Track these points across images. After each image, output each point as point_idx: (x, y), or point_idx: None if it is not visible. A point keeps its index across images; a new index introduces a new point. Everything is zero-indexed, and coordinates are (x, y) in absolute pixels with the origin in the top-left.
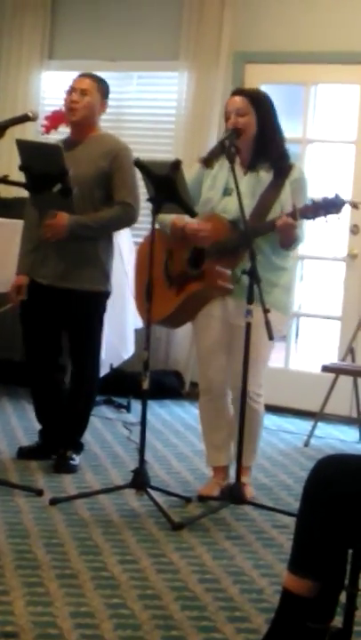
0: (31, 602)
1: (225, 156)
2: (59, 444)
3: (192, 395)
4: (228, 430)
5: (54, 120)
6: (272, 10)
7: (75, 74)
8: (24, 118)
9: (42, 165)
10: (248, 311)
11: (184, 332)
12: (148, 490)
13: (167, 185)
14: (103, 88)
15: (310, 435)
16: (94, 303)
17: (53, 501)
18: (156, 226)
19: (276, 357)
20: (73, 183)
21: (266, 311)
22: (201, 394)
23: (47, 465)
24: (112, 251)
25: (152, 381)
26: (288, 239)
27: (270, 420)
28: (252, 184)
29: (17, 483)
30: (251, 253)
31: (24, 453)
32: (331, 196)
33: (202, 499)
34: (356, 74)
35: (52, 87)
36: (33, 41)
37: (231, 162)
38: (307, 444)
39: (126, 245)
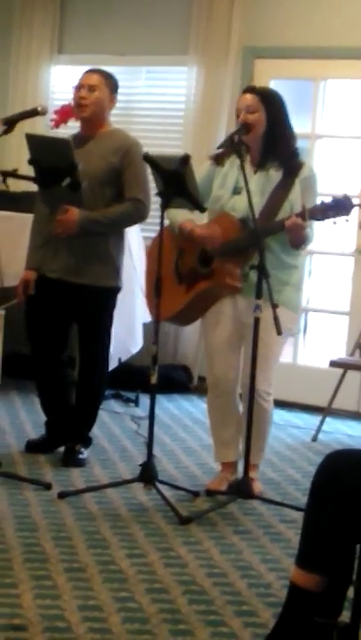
0: (39, 595)
1: (234, 153)
2: (65, 436)
3: (200, 389)
4: (237, 427)
5: (63, 114)
6: (282, 5)
7: (84, 68)
8: (33, 112)
9: (51, 159)
10: (257, 306)
11: (192, 327)
12: (156, 484)
13: (176, 179)
14: (112, 83)
15: (318, 430)
16: (105, 298)
17: (62, 495)
18: (166, 222)
19: (284, 352)
20: (84, 179)
21: (274, 306)
22: (209, 390)
23: (56, 459)
24: (123, 246)
25: (160, 375)
26: (297, 239)
27: (278, 415)
28: (262, 183)
29: (25, 476)
30: (260, 250)
31: (32, 447)
32: (340, 197)
33: (210, 493)
34: None
35: (61, 82)
36: (42, 35)
37: (240, 157)
38: (315, 439)
39: (135, 240)
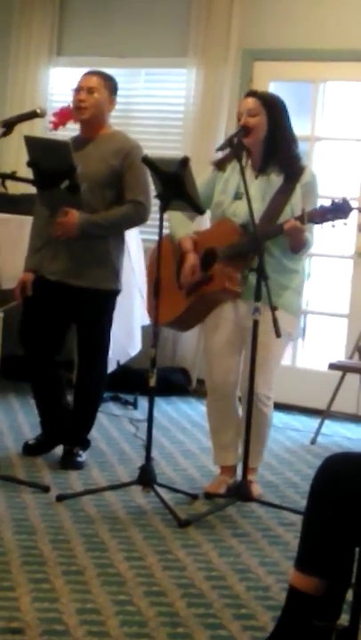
0: (37, 598)
1: (234, 156)
2: (60, 436)
3: (199, 392)
4: (236, 430)
5: (62, 116)
6: (281, 7)
7: (83, 70)
8: (32, 115)
9: (50, 162)
10: (256, 309)
11: (191, 330)
12: (155, 487)
13: (175, 182)
14: (111, 85)
15: (317, 432)
16: (104, 301)
17: (60, 498)
18: (165, 224)
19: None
20: (84, 181)
21: (273, 309)
22: (208, 394)
23: (54, 461)
24: (123, 249)
25: (159, 378)
26: (297, 243)
27: (277, 418)
28: (263, 187)
29: (23, 479)
30: (259, 253)
31: (29, 450)
32: (339, 201)
33: (208, 496)
34: None
35: (60, 83)
36: (41, 37)
37: (239, 159)
38: (314, 442)
39: (134, 243)
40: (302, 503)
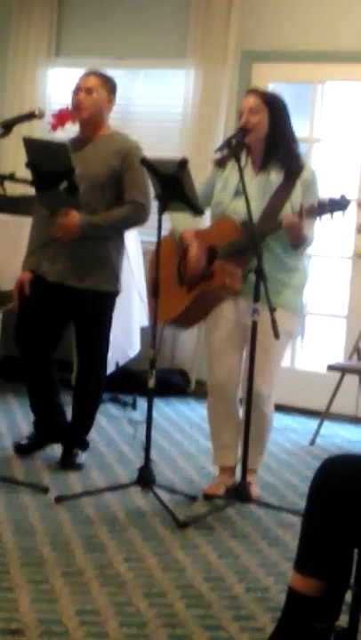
0: (36, 599)
1: (232, 156)
2: (52, 435)
3: (198, 393)
4: (236, 431)
5: (61, 117)
6: (279, 8)
7: (81, 71)
8: (30, 116)
9: (48, 163)
10: (254, 310)
11: (190, 331)
12: (154, 488)
13: (174, 183)
14: (109, 84)
15: (316, 434)
16: (104, 303)
17: (59, 499)
18: (165, 225)
19: None
20: (84, 182)
21: (272, 310)
22: (209, 394)
23: (53, 462)
24: (122, 250)
25: (158, 379)
26: (296, 238)
27: (276, 419)
28: (263, 185)
29: (23, 480)
30: (257, 253)
31: (21, 449)
32: (337, 196)
33: (207, 497)
34: None
35: (58, 84)
36: (40, 38)
37: (237, 160)
38: (313, 443)
39: (133, 244)
40: (301, 504)
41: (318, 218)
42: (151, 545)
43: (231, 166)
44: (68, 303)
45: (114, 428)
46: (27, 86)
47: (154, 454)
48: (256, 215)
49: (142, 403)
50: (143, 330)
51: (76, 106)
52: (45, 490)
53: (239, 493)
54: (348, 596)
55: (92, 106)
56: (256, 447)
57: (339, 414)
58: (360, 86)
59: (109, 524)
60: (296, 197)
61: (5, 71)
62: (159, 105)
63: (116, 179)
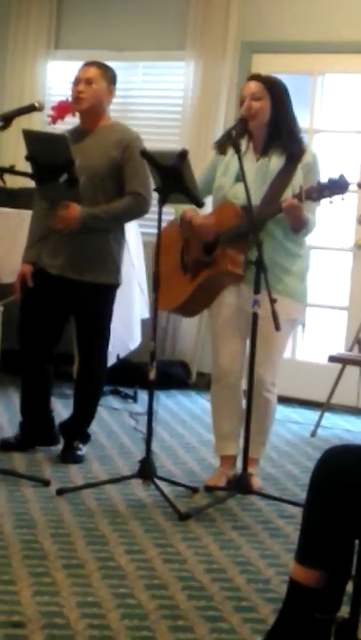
0: (38, 592)
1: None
2: (38, 438)
3: (199, 385)
4: (238, 421)
5: (60, 110)
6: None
7: (81, 64)
8: (30, 108)
9: (48, 156)
10: (255, 301)
11: (190, 323)
12: (155, 480)
13: (174, 175)
14: (109, 75)
15: (317, 425)
16: (104, 295)
17: (60, 491)
18: (169, 217)
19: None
20: (84, 174)
21: (273, 301)
22: (213, 381)
23: (54, 455)
24: (123, 242)
25: (158, 372)
26: (297, 221)
27: (277, 411)
28: (264, 170)
29: (24, 473)
30: (257, 243)
31: (5, 446)
32: (336, 177)
33: (208, 489)
34: None
35: (58, 77)
36: (39, 31)
37: (237, 151)
38: (314, 435)
39: (133, 236)
40: (302, 496)
41: (318, 199)
42: (152, 537)
43: (232, 152)
44: (68, 296)
45: (115, 420)
46: (26, 79)
47: (155, 446)
48: (257, 200)
49: (143, 395)
50: (144, 322)
51: (76, 97)
52: (47, 482)
53: (240, 485)
54: (350, 587)
55: (91, 97)
56: (258, 436)
57: (340, 405)
58: (360, 77)
59: (111, 516)
60: (297, 181)
61: (5, 64)
62: (159, 97)
63: (116, 170)
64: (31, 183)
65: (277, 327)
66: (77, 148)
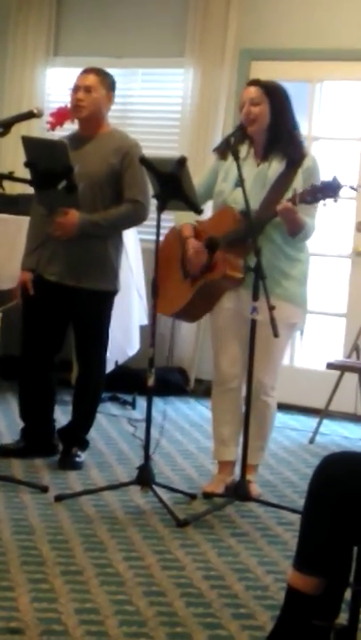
0: (36, 598)
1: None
2: (40, 448)
3: (197, 391)
4: (238, 425)
5: (59, 117)
6: (278, 7)
7: (80, 70)
8: (29, 115)
9: (47, 162)
10: (253, 308)
11: (189, 329)
12: (154, 486)
13: (172, 182)
14: (108, 81)
15: (315, 432)
16: (102, 302)
17: (59, 498)
18: (168, 223)
19: None
20: (83, 180)
21: (271, 308)
22: (214, 385)
23: (52, 461)
24: (121, 249)
25: (157, 378)
26: (292, 225)
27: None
28: (263, 175)
29: (22, 479)
30: (255, 250)
31: (5, 452)
32: (329, 180)
33: (207, 496)
34: None
35: (57, 84)
36: (38, 38)
37: (236, 159)
38: (312, 442)
39: (132, 242)
40: (301, 502)
41: (312, 202)
42: (151, 543)
43: (232, 157)
44: (66, 303)
45: (113, 426)
46: (25, 85)
47: (151, 450)
48: (256, 205)
49: (142, 401)
50: (142, 328)
51: (76, 105)
52: (45, 489)
53: (239, 492)
54: (348, 594)
55: (91, 104)
56: (258, 441)
57: (338, 412)
58: (358, 85)
59: (109, 522)
60: (297, 186)
61: (4, 70)
62: (158, 104)
63: (115, 177)
64: (30, 189)
65: (276, 334)
66: (76, 154)
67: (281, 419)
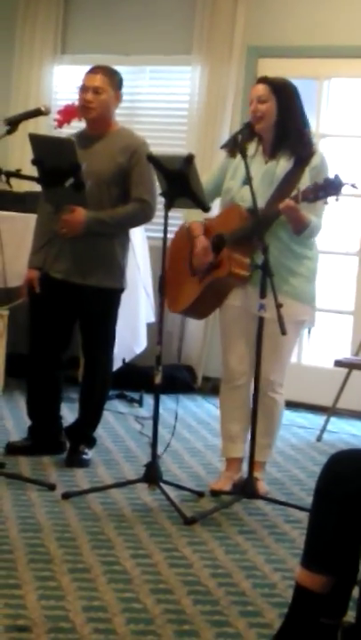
0: (43, 596)
1: (238, 152)
2: (47, 446)
3: (204, 389)
4: (246, 422)
5: (67, 114)
6: (285, 4)
7: (87, 68)
8: (37, 112)
9: (54, 159)
10: (261, 305)
11: (196, 327)
12: (161, 484)
13: (180, 179)
14: (116, 81)
15: (323, 429)
16: (109, 299)
17: (66, 495)
18: (176, 221)
19: None
20: (91, 179)
21: (278, 306)
22: (223, 382)
23: (60, 459)
24: (128, 247)
25: (164, 376)
26: (296, 223)
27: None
28: (271, 173)
29: (30, 477)
30: (263, 247)
31: (13, 450)
32: (331, 177)
33: (214, 493)
34: None
35: (64, 82)
36: (46, 35)
37: (244, 157)
38: (319, 439)
39: (139, 239)
40: (308, 500)
41: (314, 200)
42: (158, 541)
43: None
44: (73, 300)
45: (121, 424)
46: (33, 83)
47: (160, 450)
48: (263, 203)
49: (149, 399)
50: (150, 326)
51: (85, 106)
52: (52, 487)
53: (246, 489)
54: (356, 592)
55: (100, 106)
56: (265, 438)
57: (346, 410)
58: None
59: (116, 520)
60: (305, 184)
61: (12, 68)
62: (165, 101)
63: (122, 175)
64: (37, 187)
65: (283, 332)
66: (85, 153)
67: (289, 416)
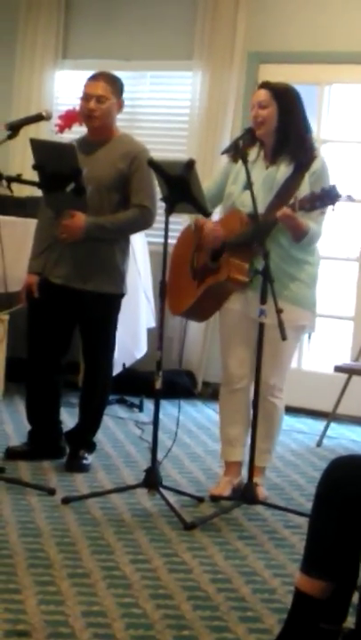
0: (43, 601)
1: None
2: (46, 451)
3: (205, 394)
4: (245, 426)
5: (68, 119)
6: (286, 10)
7: (88, 74)
8: (38, 118)
9: (55, 164)
10: (261, 311)
11: (197, 332)
12: (161, 489)
13: (181, 185)
14: (117, 87)
15: (323, 435)
16: (109, 305)
17: (66, 500)
18: (176, 226)
19: None
20: (91, 184)
21: (279, 311)
22: (222, 386)
23: (59, 464)
24: (128, 252)
25: (165, 381)
26: (295, 231)
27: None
28: (271, 178)
29: (29, 482)
30: (263, 253)
31: (12, 455)
32: (328, 187)
33: (214, 499)
34: None
35: (65, 87)
36: (47, 41)
37: (245, 162)
38: (319, 445)
39: (139, 245)
40: (308, 506)
41: (311, 210)
42: (158, 546)
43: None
44: (73, 305)
45: (121, 429)
46: (34, 88)
47: (160, 456)
48: (263, 208)
49: (149, 404)
50: (150, 331)
51: (88, 114)
52: (52, 491)
53: (246, 495)
54: (356, 598)
55: (103, 115)
56: (265, 443)
57: (346, 415)
58: None
59: (116, 525)
60: (304, 189)
61: (13, 73)
62: (166, 106)
63: (122, 181)
64: (38, 192)
65: (284, 337)
66: (87, 160)
67: (288, 422)
